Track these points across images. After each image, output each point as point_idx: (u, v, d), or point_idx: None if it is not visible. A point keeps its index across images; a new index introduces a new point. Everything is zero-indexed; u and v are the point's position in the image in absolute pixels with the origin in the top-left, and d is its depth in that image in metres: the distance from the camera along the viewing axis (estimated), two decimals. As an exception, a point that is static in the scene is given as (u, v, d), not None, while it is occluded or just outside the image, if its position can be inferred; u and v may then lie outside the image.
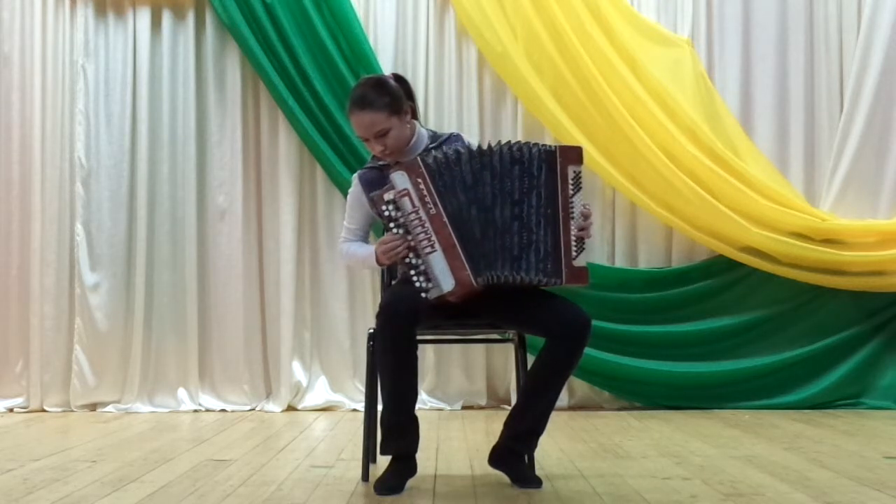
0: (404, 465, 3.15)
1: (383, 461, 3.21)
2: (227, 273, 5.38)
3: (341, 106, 5.25)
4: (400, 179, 3.06)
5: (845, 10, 5.39)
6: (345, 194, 5.20)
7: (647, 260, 5.42)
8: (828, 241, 5.17)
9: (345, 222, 3.40)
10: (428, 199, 3.05)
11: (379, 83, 3.23)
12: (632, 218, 5.41)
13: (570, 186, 3.08)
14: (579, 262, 3.08)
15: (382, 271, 3.63)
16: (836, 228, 5.17)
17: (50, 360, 5.33)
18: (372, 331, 3.32)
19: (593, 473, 3.39)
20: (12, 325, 5.41)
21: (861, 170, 5.27)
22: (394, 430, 3.11)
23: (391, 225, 3.08)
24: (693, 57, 5.32)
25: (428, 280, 3.04)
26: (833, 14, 5.39)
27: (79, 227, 5.36)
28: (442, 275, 3.02)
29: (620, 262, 5.41)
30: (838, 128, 5.32)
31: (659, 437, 4.25)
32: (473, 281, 3.03)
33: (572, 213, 3.08)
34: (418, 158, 3.11)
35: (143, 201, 5.35)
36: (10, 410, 5.32)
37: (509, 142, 3.12)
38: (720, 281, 5.35)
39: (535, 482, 3.15)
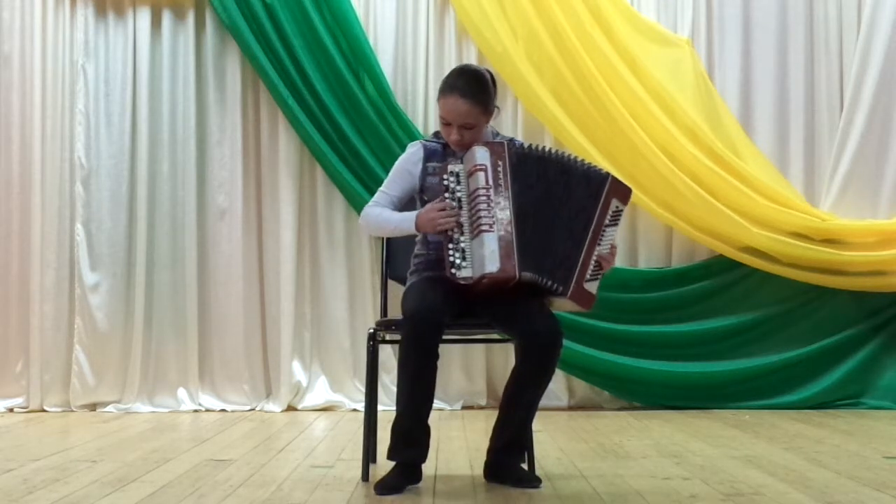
0: (409, 473, 3.14)
1: (383, 460, 3.20)
2: (227, 273, 5.37)
3: (341, 106, 5.25)
4: (481, 154, 3.09)
5: (845, 10, 5.39)
6: (345, 194, 5.28)
7: (647, 260, 5.42)
8: (828, 241, 5.18)
9: (382, 187, 3.33)
10: (501, 181, 3.08)
11: (484, 80, 3.23)
12: (632, 218, 5.40)
13: (609, 217, 3.10)
14: (591, 287, 3.08)
15: (383, 269, 3.64)
16: (836, 228, 5.18)
17: (50, 360, 5.33)
18: (372, 330, 3.33)
19: (593, 473, 3.39)
20: (12, 325, 5.40)
21: (861, 170, 5.27)
22: (405, 439, 3.10)
23: (446, 195, 3.08)
24: (693, 57, 5.32)
25: (464, 259, 3.03)
26: (833, 14, 5.39)
27: (79, 227, 5.36)
28: (490, 256, 3.00)
29: (620, 262, 5.38)
30: (838, 128, 5.32)
31: (659, 437, 4.24)
32: (517, 273, 3.03)
33: (601, 240, 3.10)
34: (504, 142, 3.16)
35: (143, 201, 5.35)
36: (10, 410, 5.32)
37: (563, 151, 3.17)
38: (720, 281, 5.35)
39: (535, 482, 3.15)
